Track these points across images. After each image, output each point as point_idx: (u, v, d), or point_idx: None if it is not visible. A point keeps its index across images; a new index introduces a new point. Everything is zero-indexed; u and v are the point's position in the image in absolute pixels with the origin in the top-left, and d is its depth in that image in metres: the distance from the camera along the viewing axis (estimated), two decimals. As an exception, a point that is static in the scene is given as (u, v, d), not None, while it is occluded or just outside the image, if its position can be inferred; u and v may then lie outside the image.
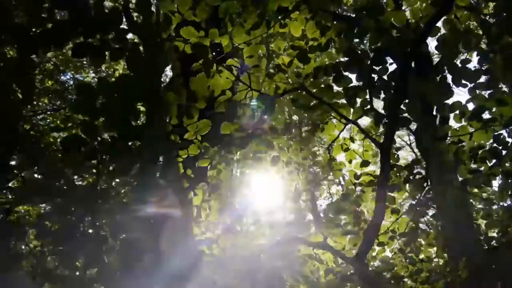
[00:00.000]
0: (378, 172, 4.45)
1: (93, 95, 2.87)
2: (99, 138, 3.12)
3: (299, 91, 3.56)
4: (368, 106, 3.80)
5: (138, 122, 3.11)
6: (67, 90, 11.61)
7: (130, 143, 3.08)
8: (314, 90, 3.81)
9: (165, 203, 3.47)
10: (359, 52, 3.62)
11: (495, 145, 4.02)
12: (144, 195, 3.35)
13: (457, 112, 3.89)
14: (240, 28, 3.57)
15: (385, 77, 3.61)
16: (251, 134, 3.76)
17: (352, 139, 4.08)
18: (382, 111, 3.82)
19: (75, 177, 3.09)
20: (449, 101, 3.89)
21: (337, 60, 3.69)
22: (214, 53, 3.54)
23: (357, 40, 3.41)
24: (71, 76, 12.09)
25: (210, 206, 3.92)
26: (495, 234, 4.71)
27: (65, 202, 2.85)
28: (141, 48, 3.01)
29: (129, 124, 3.02)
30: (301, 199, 4.42)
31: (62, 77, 11.92)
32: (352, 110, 3.96)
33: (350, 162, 4.23)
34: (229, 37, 3.51)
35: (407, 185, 4.30)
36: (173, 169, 3.39)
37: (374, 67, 3.59)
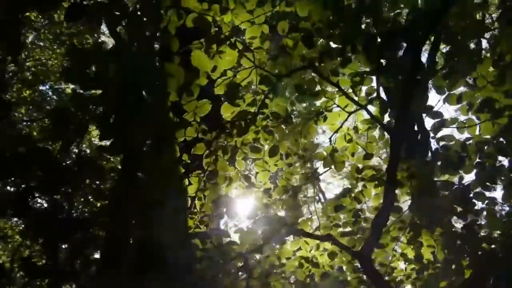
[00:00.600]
0: (380, 167, 4.27)
1: (87, 62, 2.62)
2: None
3: (307, 69, 3.36)
4: (375, 94, 3.64)
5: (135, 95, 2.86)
6: (45, 100, 11.21)
7: (123, 119, 2.82)
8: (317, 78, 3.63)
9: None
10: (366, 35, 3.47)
11: (501, 139, 3.91)
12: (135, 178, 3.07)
13: (465, 103, 3.77)
14: (242, 7, 3.39)
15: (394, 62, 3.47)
16: (252, 119, 3.54)
17: (356, 129, 3.89)
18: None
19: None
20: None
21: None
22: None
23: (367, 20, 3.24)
24: (50, 86, 11.71)
25: (205, 196, 3.65)
26: (497, 236, 4.58)
27: (49, 177, 2.56)
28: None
29: (124, 97, 2.76)
30: (299, 195, 4.19)
31: (41, 87, 11.54)
32: (356, 98, 3.81)
33: (352, 155, 4.04)
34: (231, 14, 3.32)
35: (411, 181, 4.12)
36: (170, 151, 3.13)
37: (383, 51, 3.44)
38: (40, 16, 10.60)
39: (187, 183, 3.53)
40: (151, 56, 2.84)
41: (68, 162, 2.71)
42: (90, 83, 2.61)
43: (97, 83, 2.61)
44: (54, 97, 11.21)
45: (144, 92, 2.81)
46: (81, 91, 2.67)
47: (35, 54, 11.29)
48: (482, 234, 4.57)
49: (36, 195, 2.77)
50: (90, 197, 3.06)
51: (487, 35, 3.73)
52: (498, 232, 4.55)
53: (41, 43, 11.24)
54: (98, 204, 3.22)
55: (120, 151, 2.95)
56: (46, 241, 2.70)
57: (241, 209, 3.95)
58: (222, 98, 3.42)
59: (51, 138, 2.73)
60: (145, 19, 2.83)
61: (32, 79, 10.84)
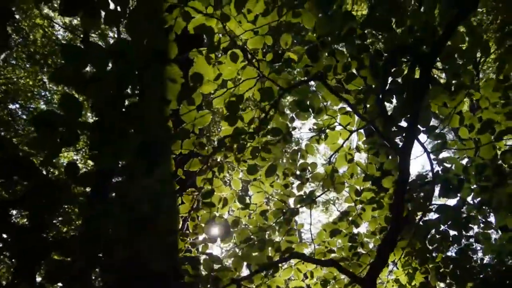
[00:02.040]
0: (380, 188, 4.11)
1: (83, 62, 2.33)
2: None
3: (314, 81, 3.19)
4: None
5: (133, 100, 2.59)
6: (15, 119, 10.70)
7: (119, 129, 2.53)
8: (321, 93, 3.48)
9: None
10: (372, 52, 3.37)
11: (500, 162, 3.86)
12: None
13: (466, 124, 3.71)
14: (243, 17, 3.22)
15: (399, 79, 3.37)
16: (251, 137, 3.31)
17: (358, 149, 3.73)
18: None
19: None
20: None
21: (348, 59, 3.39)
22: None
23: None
24: (21, 105, 11.19)
25: (199, 216, 3.35)
26: (490, 261, 4.50)
27: (33, 189, 2.21)
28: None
29: (121, 101, 2.48)
30: (295, 219, 3.94)
31: (11, 106, 11.04)
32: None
33: (351, 176, 3.86)
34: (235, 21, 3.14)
35: (409, 203, 3.98)
36: (165, 164, 2.84)
37: (388, 68, 3.34)
38: (14, 34, 10.24)
39: (179, 201, 3.23)
40: (151, 59, 2.58)
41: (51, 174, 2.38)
42: (86, 85, 2.32)
43: (95, 85, 2.33)
44: (24, 116, 10.69)
45: (142, 98, 2.54)
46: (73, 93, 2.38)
47: (7, 73, 10.87)
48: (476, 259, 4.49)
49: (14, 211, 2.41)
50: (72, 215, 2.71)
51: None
52: (492, 256, 4.48)
53: (14, 62, 10.85)
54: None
55: (112, 162, 2.64)
56: (24, 263, 2.32)
57: (235, 232, 3.66)
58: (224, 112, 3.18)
59: (35, 146, 2.39)
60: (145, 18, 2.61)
61: (2, 97, 10.36)
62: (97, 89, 2.35)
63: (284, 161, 3.80)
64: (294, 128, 3.45)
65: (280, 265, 3.92)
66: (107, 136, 2.46)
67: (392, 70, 3.33)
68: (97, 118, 2.44)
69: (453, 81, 3.43)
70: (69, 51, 2.32)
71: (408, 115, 3.32)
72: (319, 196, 3.89)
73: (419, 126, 3.53)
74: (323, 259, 3.83)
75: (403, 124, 3.63)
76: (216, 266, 3.48)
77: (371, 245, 4.26)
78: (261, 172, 3.70)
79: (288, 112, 3.54)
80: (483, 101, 3.59)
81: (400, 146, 3.16)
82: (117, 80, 2.37)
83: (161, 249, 3.00)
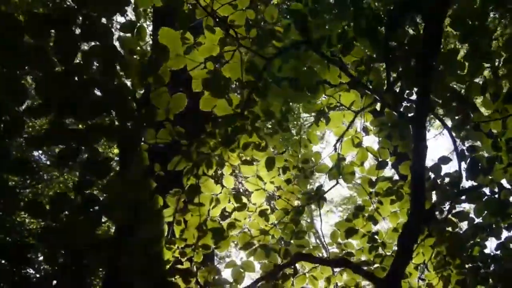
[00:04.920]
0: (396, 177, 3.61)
1: (20, 31, 1.98)
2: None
3: (306, 46, 2.76)
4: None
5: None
6: None
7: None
8: (317, 67, 3.05)
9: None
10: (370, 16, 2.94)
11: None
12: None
13: (489, 94, 3.20)
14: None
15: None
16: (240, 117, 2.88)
17: (366, 131, 3.25)
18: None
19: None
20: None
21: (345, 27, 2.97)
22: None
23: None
24: None
25: (186, 220, 2.91)
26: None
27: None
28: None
29: (68, 79, 2.10)
30: (302, 217, 3.46)
31: None
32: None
33: (361, 164, 3.37)
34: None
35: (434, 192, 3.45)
36: (135, 158, 2.43)
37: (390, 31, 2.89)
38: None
39: (161, 203, 2.79)
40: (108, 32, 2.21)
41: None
42: (23, 59, 1.96)
43: (34, 59, 1.97)
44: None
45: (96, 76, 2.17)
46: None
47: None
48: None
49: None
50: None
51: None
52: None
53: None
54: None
55: (71, 157, 2.26)
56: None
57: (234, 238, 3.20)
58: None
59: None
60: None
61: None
62: (38, 66, 2.00)
63: (284, 153, 3.35)
64: (289, 111, 3.01)
65: (291, 272, 3.43)
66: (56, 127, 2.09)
67: (395, 34, 2.89)
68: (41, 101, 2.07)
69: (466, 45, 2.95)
70: (2, 18, 1.97)
71: (419, 86, 2.86)
72: (328, 190, 3.41)
73: (435, 99, 3.07)
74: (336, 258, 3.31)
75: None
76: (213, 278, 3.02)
77: (395, 245, 3.71)
78: (259, 166, 3.26)
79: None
80: (506, 64, 3.09)
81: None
82: (61, 52, 2.02)
83: (143, 264, 2.56)
